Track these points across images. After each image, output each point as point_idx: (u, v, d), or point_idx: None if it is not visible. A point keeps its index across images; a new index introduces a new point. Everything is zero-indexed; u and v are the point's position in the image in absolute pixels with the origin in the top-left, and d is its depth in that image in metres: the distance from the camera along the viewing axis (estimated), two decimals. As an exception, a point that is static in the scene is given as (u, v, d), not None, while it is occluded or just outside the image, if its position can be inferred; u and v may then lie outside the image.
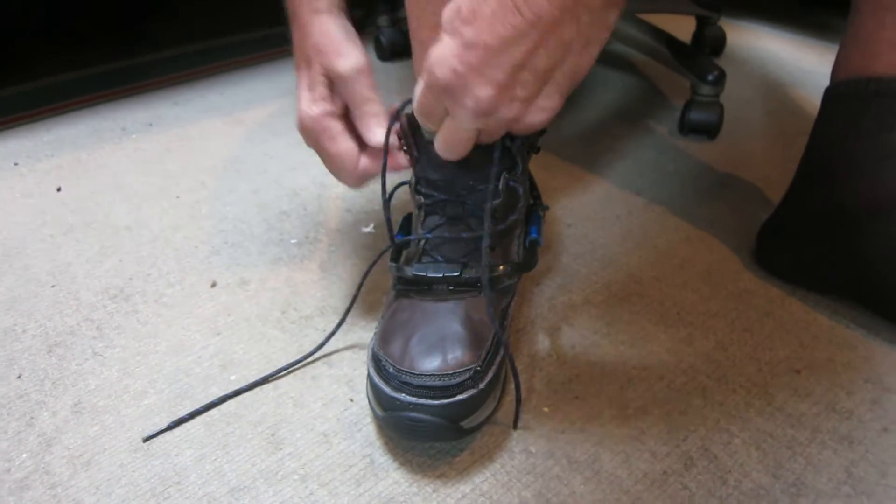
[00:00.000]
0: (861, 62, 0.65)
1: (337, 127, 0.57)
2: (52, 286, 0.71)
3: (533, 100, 0.47)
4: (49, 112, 1.08)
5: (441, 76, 0.46)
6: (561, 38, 0.44)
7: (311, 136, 0.57)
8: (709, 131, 0.98)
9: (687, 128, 0.99)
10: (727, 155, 0.95)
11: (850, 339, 0.65)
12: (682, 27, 1.21)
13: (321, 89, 0.56)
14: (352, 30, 0.58)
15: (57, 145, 0.99)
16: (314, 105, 0.56)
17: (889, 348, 0.64)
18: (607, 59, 1.27)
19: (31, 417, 0.57)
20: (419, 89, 0.50)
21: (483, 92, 0.45)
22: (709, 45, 1.26)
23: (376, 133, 0.56)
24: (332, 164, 0.58)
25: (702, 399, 0.59)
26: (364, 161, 0.59)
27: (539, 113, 0.48)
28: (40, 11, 1.38)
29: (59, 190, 0.88)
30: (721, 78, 0.96)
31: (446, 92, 0.47)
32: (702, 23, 1.26)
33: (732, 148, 0.97)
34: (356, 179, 0.59)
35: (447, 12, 0.46)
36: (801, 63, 1.23)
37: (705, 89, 0.96)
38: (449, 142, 0.52)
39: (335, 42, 0.56)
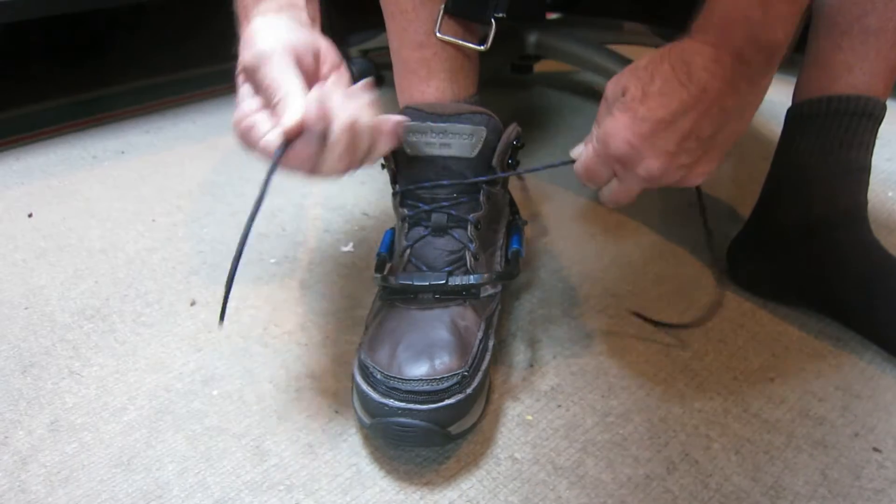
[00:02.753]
0: (820, 83, 0.68)
1: (261, 120, 0.47)
2: (26, 308, 0.70)
3: (696, 165, 0.50)
4: (17, 142, 1.08)
5: (615, 149, 0.49)
6: (723, 106, 0.48)
7: (245, 143, 0.48)
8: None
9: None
10: (694, 177, 0.98)
11: (819, 349, 0.67)
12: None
13: (241, 92, 0.49)
14: (296, 27, 0.50)
15: (26, 173, 0.98)
16: (236, 111, 0.48)
17: (857, 357, 0.66)
18: (579, 88, 1.31)
19: (5, 437, 0.56)
20: (587, 155, 0.52)
21: (654, 163, 0.48)
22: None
23: (292, 113, 0.45)
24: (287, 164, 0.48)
25: (681, 406, 0.60)
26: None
27: (700, 176, 0.51)
28: (8, 43, 1.38)
29: (30, 216, 0.87)
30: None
31: (619, 162, 0.50)
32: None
33: (699, 171, 1.00)
34: (313, 173, 0.49)
35: (611, 89, 0.50)
36: (760, 93, 1.27)
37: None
38: (616, 200, 0.54)
39: (248, 37, 0.48)
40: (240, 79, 0.49)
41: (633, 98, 0.48)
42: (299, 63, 0.48)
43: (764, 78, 0.49)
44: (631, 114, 0.47)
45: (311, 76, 0.49)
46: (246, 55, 0.48)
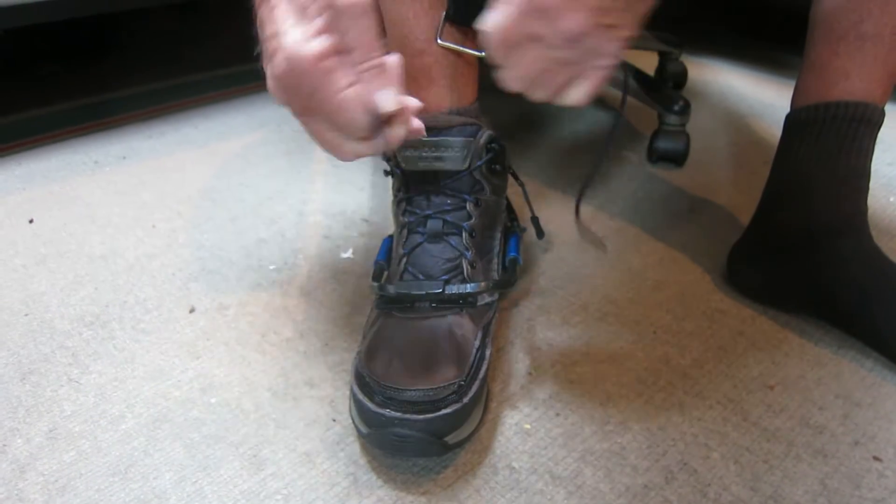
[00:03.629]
0: (818, 89, 0.68)
1: (346, 72, 0.42)
2: (26, 315, 0.70)
3: (618, 28, 0.43)
4: (19, 147, 1.08)
5: None
6: None
7: (305, 86, 0.41)
8: (676, 159, 1.01)
9: (655, 156, 1.02)
10: (695, 181, 0.98)
11: (819, 357, 0.66)
12: (646, 63, 1.25)
13: (319, 19, 0.41)
14: None
15: (28, 178, 0.98)
16: (312, 40, 0.40)
17: (857, 365, 0.65)
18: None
19: (4, 445, 0.56)
20: (507, 12, 0.43)
21: (578, 16, 0.41)
22: (671, 79, 1.30)
23: (386, 97, 0.43)
24: (335, 124, 0.44)
25: (680, 415, 0.60)
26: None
27: (617, 42, 0.44)
28: (10, 47, 1.38)
29: (31, 221, 0.87)
30: (686, 108, 0.99)
31: (542, 14, 0.42)
32: (664, 58, 1.30)
33: (699, 175, 1.00)
34: (365, 148, 0.45)
35: None
36: (760, 96, 1.27)
37: (672, 119, 0.99)
38: (528, 73, 0.45)
39: None
40: None
41: None
42: None
43: None
44: None
45: None
46: None
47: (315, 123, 0.44)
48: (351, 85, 0.42)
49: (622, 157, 1.05)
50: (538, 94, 0.47)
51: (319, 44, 0.40)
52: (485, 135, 0.59)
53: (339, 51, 0.41)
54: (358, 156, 0.45)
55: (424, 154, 0.56)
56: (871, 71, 0.65)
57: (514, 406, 0.60)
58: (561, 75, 0.45)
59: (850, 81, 0.65)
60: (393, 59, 0.44)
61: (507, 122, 0.60)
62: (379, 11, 0.43)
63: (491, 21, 0.44)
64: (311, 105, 0.43)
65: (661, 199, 0.94)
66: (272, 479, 0.53)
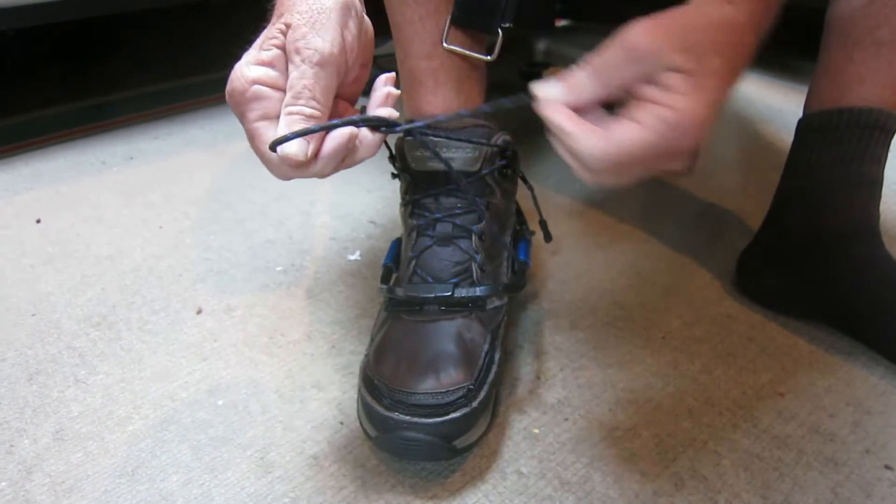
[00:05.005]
0: (832, 94, 0.68)
1: (270, 103, 0.43)
2: (33, 315, 0.70)
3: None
4: (27, 147, 1.08)
5: (690, 136, 0.39)
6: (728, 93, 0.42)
7: (236, 104, 0.44)
8: (685, 165, 1.01)
9: (664, 161, 1.01)
10: (704, 186, 0.97)
11: (830, 364, 0.66)
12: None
13: (271, 51, 0.44)
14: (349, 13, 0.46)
15: (35, 178, 0.98)
16: (252, 66, 0.43)
17: (868, 372, 0.65)
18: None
19: (11, 445, 0.56)
20: (637, 135, 0.39)
21: (688, 159, 0.41)
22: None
23: (280, 132, 0.42)
24: (254, 145, 0.45)
25: (689, 421, 0.59)
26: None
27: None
28: (17, 48, 1.38)
29: (38, 221, 0.87)
30: (695, 113, 0.98)
31: (680, 154, 0.40)
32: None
33: (708, 180, 0.99)
34: (283, 175, 0.45)
35: (647, 46, 0.39)
36: (769, 101, 1.27)
37: (681, 124, 0.99)
38: (612, 183, 0.43)
39: (316, 12, 0.44)
40: (272, 29, 0.45)
41: (702, 78, 0.39)
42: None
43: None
44: (709, 97, 0.39)
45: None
46: (313, 41, 0.43)
47: (248, 137, 0.45)
48: (265, 119, 0.43)
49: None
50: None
51: (254, 70, 0.43)
52: (501, 137, 0.59)
53: (275, 86, 0.44)
54: (286, 177, 0.45)
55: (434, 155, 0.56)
56: (886, 77, 0.64)
57: (523, 410, 0.60)
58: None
59: (865, 87, 0.65)
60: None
61: (514, 125, 0.59)
62: (345, 67, 0.45)
63: (566, 96, 0.43)
64: (240, 120, 0.45)
65: (670, 205, 0.93)
66: (279, 482, 0.53)
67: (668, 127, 0.39)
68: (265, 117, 0.43)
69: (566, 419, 0.59)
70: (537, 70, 1.29)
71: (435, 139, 0.55)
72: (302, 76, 0.43)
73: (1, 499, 0.51)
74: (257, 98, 0.43)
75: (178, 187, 0.95)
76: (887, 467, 0.55)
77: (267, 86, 0.43)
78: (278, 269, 0.78)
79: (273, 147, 0.42)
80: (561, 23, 1.37)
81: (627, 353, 0.66)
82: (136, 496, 0.51)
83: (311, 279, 0.76)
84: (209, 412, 0.59)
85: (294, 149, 0.41)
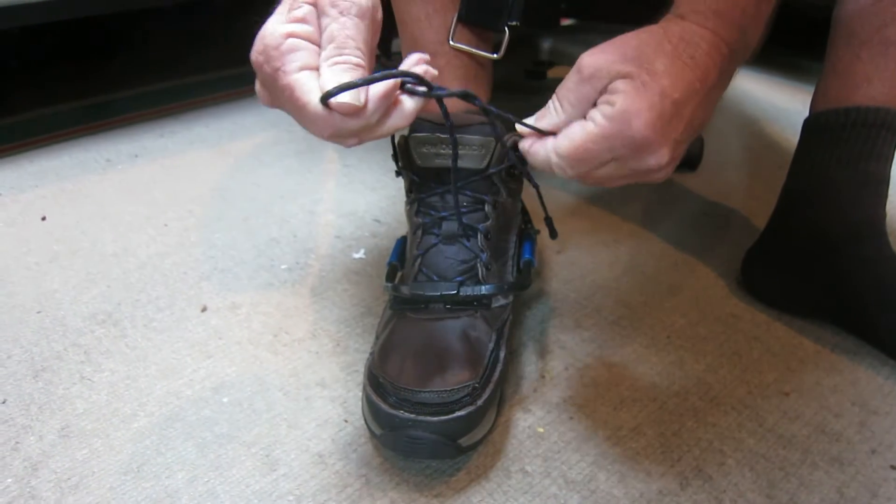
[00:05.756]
0: (839, 93, 0.68)
1: (307, 54, 0.42)
2: (38, 312, 0.70)
3: (678, 159, 0.46)
4: (32, 144, 1.08)
5: (637, 131, 0.42)
6: (712, 98, 0.45)
7: (269, 59, 0.42)
8: (690, 163, 1.00)
9: (669, 160, 1.01)
10: (709, 186, 0.97)
11: (835, 363, 0.66)
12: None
13: (303, 8, 0.43)
14: None
15: (40, 176, 0.98)
16: (285, 23, 0.42)
17: (873, 372, 0.65)
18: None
19: (17, 442, 0.56)
20: (587, 134, 0.43)
21: (666, 152, 0.43)
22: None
23: (327, 82, 0.40)
24: (293, 99, 0.42)
25: (694, 420, 0.59)
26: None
27: (670, 173, 0.46)
28: (23, 46, 1.39)
29: (43, 219, 0.87)
30: (701, 111, 0.98)
31: (634, 147, 0.43)
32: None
33: (713, 179, 0.99)
34: (327, 130, 0.42)
35: (594, 66, 0.43)
36: (774, 100, 1.26)
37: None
38: (600, 184, 0.48)
39: None
40: None
41: (645, 77, 0.42)
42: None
43: (732, 78, 0.47)
44: (653, 93, 0.42)
45: None
46: None
47: (283, 103, 0.43)
48: (306, 69, 0.41)
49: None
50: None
51: (287, 25, 0.42)
52: (511, 139, 0.59)
53: (311, 40, 0.42)
54: (332, 132, 0.43)
55: (441, 151, 0.56)
56: (893, 76, 0.64)
57: (527, 409, 0.60)
58: (620, 182, 0.47)
59: (873, 86, 0.65)
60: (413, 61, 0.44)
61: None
62: (378, 20, 0.44)
63: (547, 125, 0.46)
64: (274, 91, 0.43)
65: (674, 203, 0.93)
66: (284, 480, 0.53)
67: (609, 119, 0.42)
68: (305, 68, 0.41)
69: (571, 418, 0.59)
70: (542, 69, 1.29)
71: (442, 136, 0.55)
72: (343, 27, 0.42)
73: (7, 495, 0.51)
74: (293, 50, 0.41)
75: (182, 185, 0.95)
76: (893, 467, 0.55)
77: (301, 38, 0.42)
78: (283, 267, 0.78)
79: (325, 100, 0.40)
80: (566, 21, 1.37)
81: (632, 351, 0.66)
82: (141, 493, 0.51)
83: (316, 277, 0.76)
84: (214, 409, 0.59)
85: (349, 96, 0.40)
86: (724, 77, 0.45)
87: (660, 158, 0.43)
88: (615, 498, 0.52)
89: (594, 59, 0.43)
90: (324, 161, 1.02)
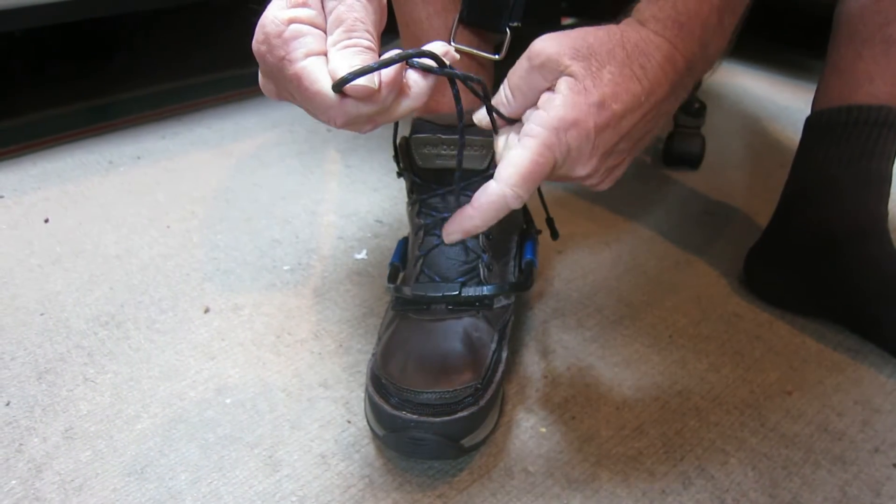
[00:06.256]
0: (841, 92, 0.68)
1: (312, 40, 0.39)
2: (41, 314, 0.71)
3: (615, 169, 0.46)
4: (34, 147, 1.08)
5: (574, 139, 0.42)
6: (660, 111, 0.44)
7: (272, 48, 0.39)
8: (692, 161, 1.00)
9: (671, 158, 1.01)
10: (710, 184, 0.97)
11: (838, 362, 0.66)
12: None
13: None
14: None
15: (43, 178, 0.98)
16: (286, 9, 0.39)
17: (876, 371, 0.65)
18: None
19: (20, 444, 0.56)
20: (537, 148, 0.42)
21: (591, 161, 0.43)
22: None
23: (339, 67, 0.38)
24: (302, 87, 0.39)
25: (697, 420, 0.59)
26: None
27: (610, 184, 0.47)
28: (24, 48, 1.39)
29: (46, 221, 0.87)
30: (702, 109, 0.98)
31: (568, 155, 0.43)
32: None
33: (715, 178, 0.99)
34: (341, 117, 0.40)
35: (544, 55, 0.42)
36: (776, 98, 1.26)
37: (688, 120, 0.99)
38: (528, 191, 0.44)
39: None
40: None
41: (588, 82, 0.41)
42: None
43: (689, 90, 0.47)
44: (591, 102, 0.41)
45: None
46: None
47: (291, 92, 0.41)
48: (313, 55, 0.39)
49: (637, 159, 1.04)
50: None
51: (288, 11, 0.39)
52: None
53: (315, 24, 0.40)
54: (344, 119, 0.40)
55: (443, 152, 0.56)
56: (895, 74, 0.64)
57: (530, 409, 0.60)
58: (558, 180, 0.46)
59: (875, 85, 0.65)
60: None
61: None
62: (384, 4, 0.42)
63: (481, 122, 0.46)
64: (280, 82, 0.41)
65: (676, 202, 0.93)
66: (287, 481, 0.53)
67: (545, 127, 0.42)
68: (312, 54, 0.39)
69: (573, 418, 0.59)
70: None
71: (444, 137, 0.55)
72: (351, 9, 0.39)
73: (11, 497, 0.51)
74: (297, 36, 0.39)
75: (184, 186, 0.95)
76: (896, 466, 0.55)
77: (305, 23, 0.39)
78: (285, 268, 0.78)
79: (340, 86, 0.38)
80: (567, 21, 1.37)
81: (634, 351, 0.66)
82: (144, 495, 0.52)
83: (318, 278, 0.76)
84: (217, 411, 0.59)
85: (364, 80, 0.38)
86: (678, 90, 0.45)
87: (586, 169, 0.43)
88: (618, 498, 0.52)
89: (545, 47, 0.43)
90: (326, 162, 1.02)
